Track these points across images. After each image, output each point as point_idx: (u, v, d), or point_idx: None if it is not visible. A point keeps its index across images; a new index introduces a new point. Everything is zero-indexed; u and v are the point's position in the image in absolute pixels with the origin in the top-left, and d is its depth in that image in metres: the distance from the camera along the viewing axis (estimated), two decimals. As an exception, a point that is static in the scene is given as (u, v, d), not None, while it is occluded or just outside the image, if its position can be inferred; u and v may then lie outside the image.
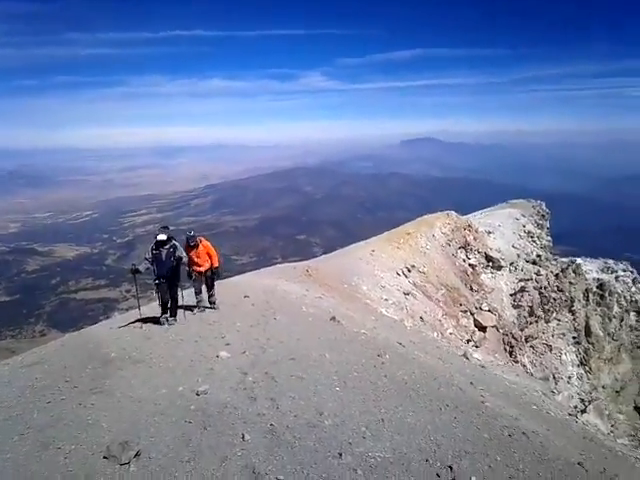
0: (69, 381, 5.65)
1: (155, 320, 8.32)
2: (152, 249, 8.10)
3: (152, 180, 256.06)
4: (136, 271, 8.13)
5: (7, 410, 4.91)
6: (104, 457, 4.04)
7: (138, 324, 8.23)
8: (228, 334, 7.59)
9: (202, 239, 9.44)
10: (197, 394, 5.24)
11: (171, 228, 8.87)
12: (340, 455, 4.29)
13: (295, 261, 20.57)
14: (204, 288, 9.47)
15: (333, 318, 9.57)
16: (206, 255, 9.36)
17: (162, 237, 8.04)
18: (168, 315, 8.29)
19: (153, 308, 8.94)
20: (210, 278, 9.48)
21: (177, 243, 8.30)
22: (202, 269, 9.32)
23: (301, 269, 15.93)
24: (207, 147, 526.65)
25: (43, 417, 4.74)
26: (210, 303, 9.54)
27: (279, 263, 20.28)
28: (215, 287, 9.62)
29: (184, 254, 8.42)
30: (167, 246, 8.12)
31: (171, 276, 8.23)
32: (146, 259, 8.09)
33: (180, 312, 8.57)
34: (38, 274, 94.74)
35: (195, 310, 9.11)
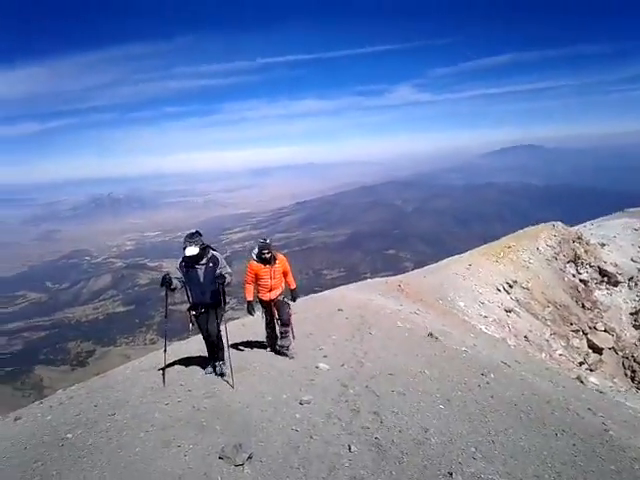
0: (183, 385, 6.09)
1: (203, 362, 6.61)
2: (182, 266, 5.83)
3: (247, 199, 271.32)
4: (168, 284, 5.76)
5: (133, 409, 5.40)
6: (219, 457, 4.26)
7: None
8: (325, 346, 7.65)
9: (278, 253, 6.75)
10: (300, 403, 5.34)
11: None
12: (450, 474, 4.09)
13: (385, 276, 20.36)
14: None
15: (430, 334, 9.23)
16: (282, 275, 6.78)
17: (192, 251, 5.54)
18: (215, 361, 6.28)
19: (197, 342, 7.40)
20: (282, 306, 6.81)
21: (217, 254, 5.91)
22: (274, 296, 6.74)
23: (393, 284, 15.66)
24: (298, 166, 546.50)
25: (163, 417, 5.14)
26: (280, 347, 6.98)
27: (369, 278, 20.11)
28: (292, 322, 6.95)
29: (228, 270, 5.89)
30: (203, 261, 5.77)
31: (214, 303, 5.95)
32: (176, 279, 5.85)
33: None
34: (149, 287, 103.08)
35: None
